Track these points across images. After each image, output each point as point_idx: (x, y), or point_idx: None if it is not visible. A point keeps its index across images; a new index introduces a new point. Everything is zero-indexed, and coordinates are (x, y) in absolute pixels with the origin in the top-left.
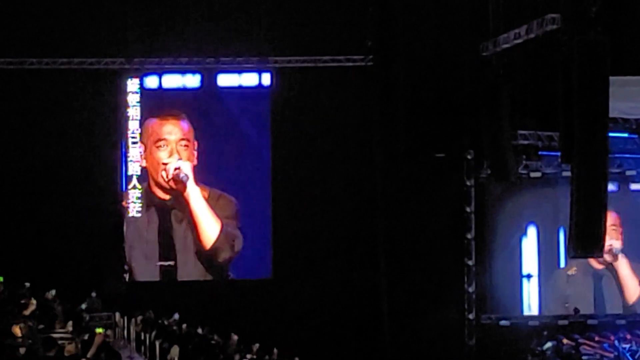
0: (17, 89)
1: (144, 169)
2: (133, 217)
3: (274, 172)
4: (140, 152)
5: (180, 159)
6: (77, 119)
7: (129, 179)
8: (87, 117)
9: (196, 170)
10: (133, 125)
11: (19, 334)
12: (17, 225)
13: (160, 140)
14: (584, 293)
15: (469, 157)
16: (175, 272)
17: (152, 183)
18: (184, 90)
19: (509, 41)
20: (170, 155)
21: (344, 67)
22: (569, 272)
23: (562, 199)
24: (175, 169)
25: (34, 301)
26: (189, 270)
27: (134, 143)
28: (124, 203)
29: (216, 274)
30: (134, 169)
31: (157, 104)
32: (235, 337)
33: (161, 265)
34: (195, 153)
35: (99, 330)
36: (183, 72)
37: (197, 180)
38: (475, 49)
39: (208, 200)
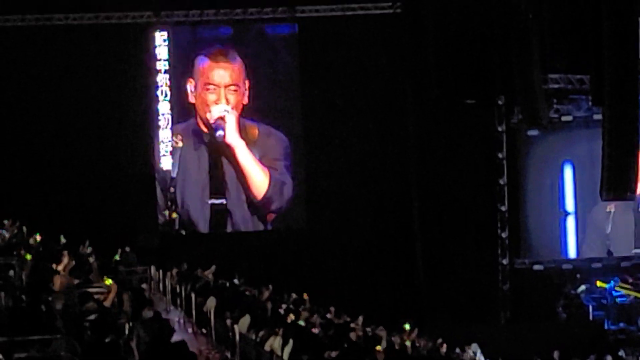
0: (46, 45)
1: (191, 105)
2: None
3: (304, 118)
4: (191, 89)
5: (228, 103)
6: (105, 74)
7: (161, 134)
8: (115, 72)
9: (246, 108)
10: (162, 79)
11: (58, 286)
12: (50, 181)
13: (210, 84)
14: (624, 230)
15: (499, 102)
16: (226, 212)
17: (199, 120)
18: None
19: None
20: (218, 100)
21: (372, 14)
22: (608, 209)
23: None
24: (219, 117)
25: (70, 256)
26: (244, 219)
27: (164, 97)
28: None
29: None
30: (164, 121)
31: (208, 42)
32: (269, 288)
33: (212, 204)
34: (247, 92)
35: (108, 281)
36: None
37: (247, 118)
38: None
39: (258, 138)
